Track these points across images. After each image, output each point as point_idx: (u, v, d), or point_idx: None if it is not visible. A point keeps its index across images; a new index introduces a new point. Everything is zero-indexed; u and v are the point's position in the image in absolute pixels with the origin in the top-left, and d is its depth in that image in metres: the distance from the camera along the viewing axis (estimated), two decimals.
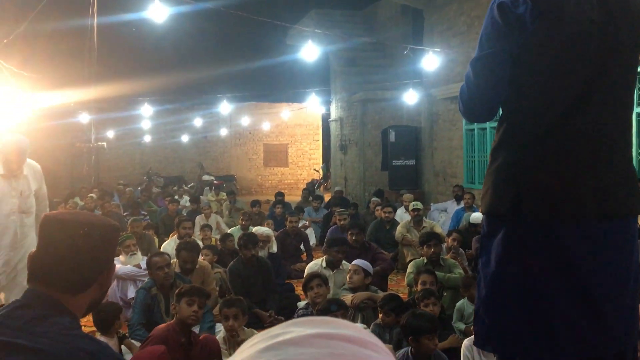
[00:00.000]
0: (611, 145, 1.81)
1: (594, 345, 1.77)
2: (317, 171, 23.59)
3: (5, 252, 4.42)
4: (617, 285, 1.79)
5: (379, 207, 9.42)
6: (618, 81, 1.82)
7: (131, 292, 5.55)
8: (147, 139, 22.96)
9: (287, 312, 5.39)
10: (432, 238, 5.74)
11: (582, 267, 1.75)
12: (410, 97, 12.45)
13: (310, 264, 5.94)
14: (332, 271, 5.64)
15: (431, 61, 10.29)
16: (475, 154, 11.32)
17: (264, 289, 5.70)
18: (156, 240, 7.86)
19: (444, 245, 6.64)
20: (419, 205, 8.33)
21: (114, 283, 5.66)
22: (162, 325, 3.71)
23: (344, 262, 5.75)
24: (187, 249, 5.47)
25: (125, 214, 10.52)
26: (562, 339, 1.75)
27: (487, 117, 1.97)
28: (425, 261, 5.65)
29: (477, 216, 7.68)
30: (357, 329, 0.63)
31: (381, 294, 4.87)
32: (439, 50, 10.78)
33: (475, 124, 11.16)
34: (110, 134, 20.99)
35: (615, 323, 1.78)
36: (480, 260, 1.94)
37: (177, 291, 3.83)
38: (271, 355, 0.57)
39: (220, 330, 4.37)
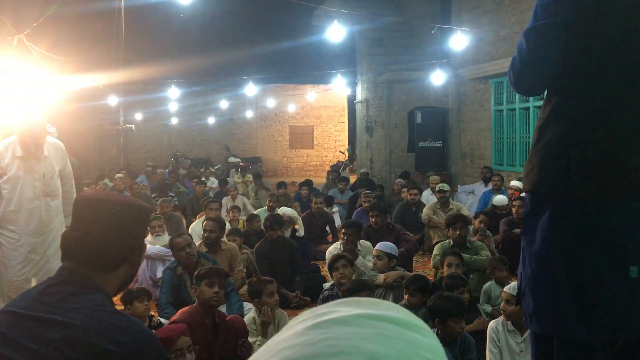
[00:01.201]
0: None
1: (632, 327, 1.76)
2: (343, 153, 23.54)
3: (30, 239, 4.17)
4: None
5: (404, 189, 9.38)
6: None
7: (160, 272, 5.65)
8: (174, 121, 23.18)
9: (313, 292, 5.43)
10: (458, 220, 5.71)
11: (626, 247, 1.74)
12: (438, 78, 12.29)
13: (330, 248, 5.97)
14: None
15: (459, 41, 10.13)
16: (503, 135, 11.16)
17: (290, 270, 5.75)
18: (184, 221, 7.97)
19: (471, 228, 6.60)
20: (445, 187, 8.28)
21: (144, 263, 5.77)
22: (185, 308, 3.73)
23: (362, 242, 5.77)
24: (212, 219, 5.75)
25: (153, 195, 10.68)
26: (604, 318, 1.75)
27: (539, 90, 1.91)
28: (451, 243, 5.64)
29: (500, 199, 7.64)
30: (404, 312, 0.63)
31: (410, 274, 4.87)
32: (467, 29, 10.60)
33: (505, 104, 10.99)
34: (138, 116, 21.22)
35: None
36: (524, 238, 1.92)
37: (195, 274, 3.83)
38: (318, 333, 0.58)
39: (250, 309, 4.42)
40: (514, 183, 8.58)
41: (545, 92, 1.92)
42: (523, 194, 7.50)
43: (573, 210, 1.77)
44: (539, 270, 1.84)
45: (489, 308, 4.63)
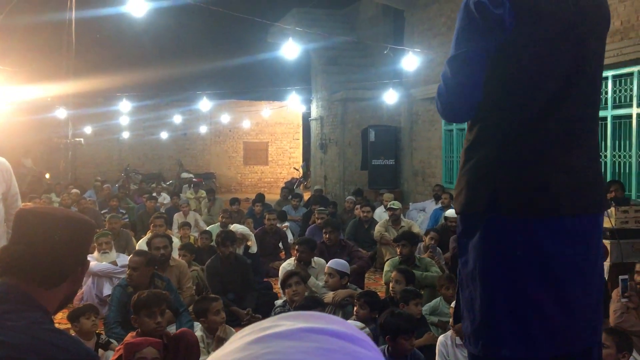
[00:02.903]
0: (583, 143, 1.83)
1: (565, 341, 1.80)
2: (297, 170, 23.57)
3: None
4: (586, 282, 1.83)
5: (358, 206, 9.44)
6: (591, 79, 1.85)
7: (107, 290, 5.51)
8: (126, 135, 22.74)
9: (265, 310, 5.38)
10: (402, 238, 5.80)
11: (555, 263, 1.77)
12: (391, 97, 12.50)
13: (284, 264, 5.95)
14: None
15: (411, 61, 10.35)
16: (453, 154, 11.42)
17: (242, 287, 5.68)
18: (133, 238, 7.79)
19: (422, 244, 6.70)
20: (396, 204, 8.39)
21: (89, 280, 5.61)
22: (130, 336, 3.53)
23: (316, 259, 5.78)
24: (160, 235, 5.62)
25: (103, 211, 10.41)
26: (538, 335, 1.77)
27: (467, 117, 1.93)
28: (399, 260, 5.71)
29: (452, 211, 7.79)
30: (348, 326, 0.63)
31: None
32: (419, 50, 10.85)
33: (455, 124, 11.26)
34: (88, 129, 20.75)
35: (583, 320, 1.82)
36: (460, 260, 1.94)
37: (133, 302, 3.63)
38: (260, 347, 0.57)
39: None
40: (452, 214, 8.72)
41: None
42: None
43: (502, 230, 1.79)
44: (474, 292, 1.84)
45: (434, 319, 4.71)
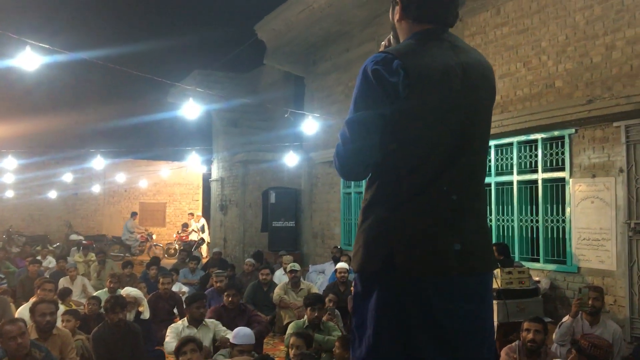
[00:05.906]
0: (473, 205, 1.92)
1: None
2: (192, 215, 23.04)
3: None
4: (478, 341, 1.87)
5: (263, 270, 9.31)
6: (480, 144, 1.97)
7: None
8: (9, 194, 21.25)
9: None
10: (317, 302, 5.78)
11: (445, 322, 1.80)
12: (291, 160, 12.68)
13: (172, 326, 5.75)
14: (196, 328, 5.53)
15: (311, 126, 10.62)
16: (352, 216, 11.67)
17: (132, 356, 5.35)
18: (12, 305, 7.15)
19: None
20: (296, 266, 8.37)
21: None
22: None
23: (207, 320, 5.70)
24: (45, 301, 5.25)
25: None
26: None
27: (363, 176, 1.97)
28: (306, 324, 5.66)
29: (342, 264, 8.10)
30: None
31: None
32: (318, 115, 11.17)
33: (352, 187, 11.57)
34: None
35: None
36: (354, 319, 1.92)
37: None
38: None
39: None
40: (341, 265, 8.54)
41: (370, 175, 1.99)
42: (350, 276, 7.88)
43: (397, 288, 1.81)
44: (370, 352, 1.84)
45: None
